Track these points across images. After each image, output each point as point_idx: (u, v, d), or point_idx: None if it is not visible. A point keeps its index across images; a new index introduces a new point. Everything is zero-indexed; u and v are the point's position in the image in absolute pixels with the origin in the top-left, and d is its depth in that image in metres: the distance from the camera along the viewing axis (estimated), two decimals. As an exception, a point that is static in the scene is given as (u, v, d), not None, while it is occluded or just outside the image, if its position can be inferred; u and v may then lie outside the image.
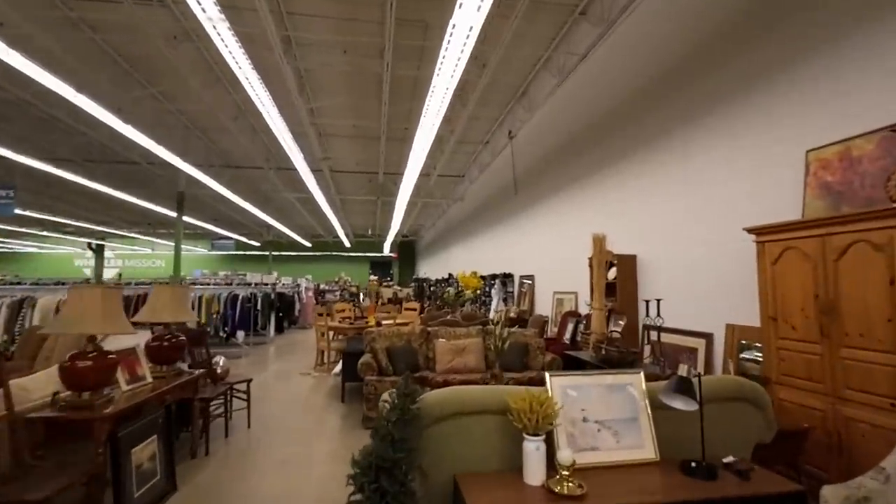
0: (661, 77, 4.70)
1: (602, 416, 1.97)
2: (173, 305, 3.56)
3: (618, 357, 3.88)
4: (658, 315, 3.85)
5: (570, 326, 6.07)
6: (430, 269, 23.29)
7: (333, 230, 21.54)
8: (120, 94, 7.28)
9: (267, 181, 12.93)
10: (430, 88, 5.78)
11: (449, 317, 6.98)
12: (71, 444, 2.45)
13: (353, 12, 5.50)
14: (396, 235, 24.26)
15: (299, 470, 3.45)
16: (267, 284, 11.09)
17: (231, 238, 22.01)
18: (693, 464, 1.82)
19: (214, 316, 9.15)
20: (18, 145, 8.80)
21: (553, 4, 5.41)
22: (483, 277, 10.04)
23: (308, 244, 26.63)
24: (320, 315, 7.37)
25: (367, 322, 7.46)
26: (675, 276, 4.43)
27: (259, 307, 10.01)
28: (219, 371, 4.44)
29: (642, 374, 2.09)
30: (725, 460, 1.87)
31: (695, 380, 1.90)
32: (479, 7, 4.00)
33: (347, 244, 25.92)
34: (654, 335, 4.09)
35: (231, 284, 11.01)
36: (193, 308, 8.65)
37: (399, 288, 19.18)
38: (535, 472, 1.73)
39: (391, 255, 29.48)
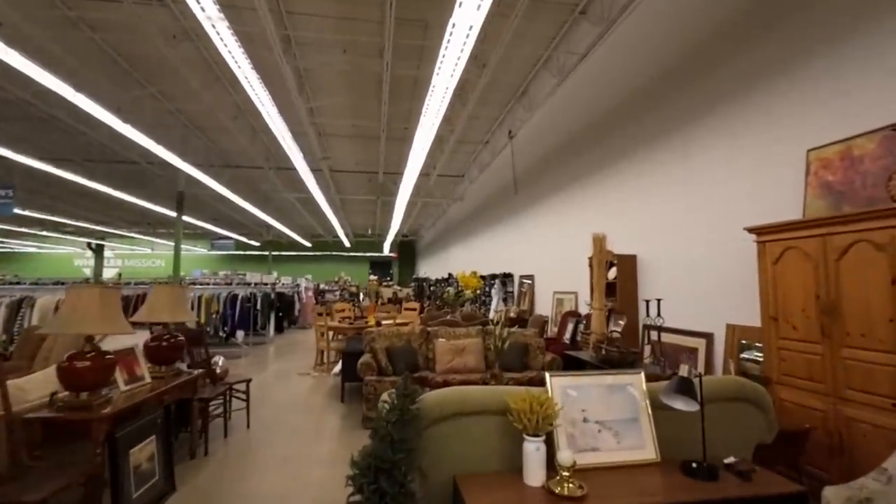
0: (661, 76, 4.69)
1: (602, 417, 1.96)
2: (172, 305, 3.55)
3: (618, 357, 3.87)
4: (658, 315, 3.84)
5: (570, 326, 6.06)
6: (430, 268, 23.28)
7: (333, 230, 21.53)
8: (119, 94, 7.27)
9: (267, 181, 12.92)
10: (429, 88, 5.77)
11: (449, 317, 6.97)
12: (69, 444, 2.44)
13: (353, 11, 5.49)
14: (396, 235, 24.26)
15: (299, 470, 3.44)
16: (266, 284, 11.08)
17: (231, 238, 22.00)
18: (694, 464, 1.81)
19: (214, 316, 9.14)
20: (18, 145, 8.79)
21: (553, 3, 5.40)
22: (483, 277, 10.03)
23: (308, 244, 26.62)
24: (320, 315, 7.36)
25: (366, 322, 7.44)
26: (676, 276, 4.42)
27: (259, 307, 10.00)
28: (218, 371, 4.43)
29: (643, 374, 2.08)
30: (726, 461, 1.86)
31: (696, 380, 1.89)
32: (479, 6, 3.99)
33: (347, 244, 25.91)
34: (654, 335, 4.08)
35: (231, 284, 10.99)
36: (193, 308, 8.64)
37: (399, 288, 19.17)
38: (535, 473, 1.72)
39: (391, 254, 29.47)
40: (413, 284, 21.35)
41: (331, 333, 7.47)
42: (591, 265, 5.15)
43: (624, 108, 5.39)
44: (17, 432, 2.23)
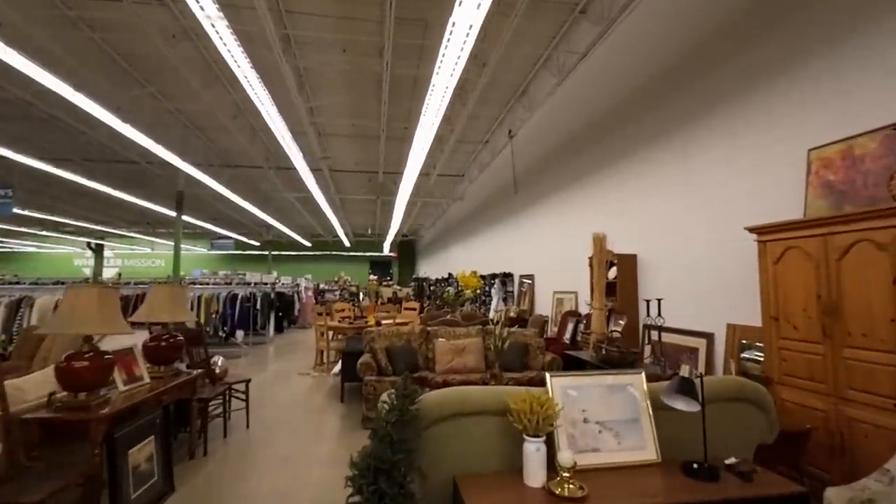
0: (661, 76, 4.68)
1: (603, 417, 1.95)
2: (171, 305, 3.54)
3: (618, 357, 3.86)
4: (659, 315, 3.83)
5: (570, 326, 6.05)
6: (430, 268, 23.28)
7: (333, 230, 21.52)
8: (119, 94, 7.26)
9: (266, 180, 12.91)
10: (429, 87, 5.76)
11: (448, 316, 6.96)
12: (67, 445, 2.43)
13: (353, 11, 5.48)
14: (396, 235, 24.25)
15: (298, 470, 3.43)
16: (266, 284, 11.07)
17: (230, 237, 21.99)
18: (695, 465, 1.80)
19: (213, 315, 9.13)
20: (18, 145, 8.78)
21: (553, 3, 5.39)
22: (483, 277, 10.02)
23: (308, 244, 26.61)
24: (320, 315, 7.35)
25: (366, 322, 7.43)
26: (676, 276, 4.41)
27: (258, 307, 9.99)
28: (217, 371, 4.42)
29: (643, 374, 2.07)
30: (728, 462, 1.85)
31: (697, 380, 1.88)
32: (479, 5, 3.97)
33: (347, 244, 25.90)
34: (654, 335, 4.08)
35: (230, 284, 10.98)
36: (192, 308, 8.63)
37: (399, 287, 19.17)
38: (535, 474, 1.71)
39: (391, 254, 29.46)
40: (413, 284, 21.34)
41: (330, 333, 7.46)
42: (591, 265, 5.14)
43: (624, 107, 5.38)
44: (15, 433, 2.22)
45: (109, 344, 3.01)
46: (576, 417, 1.94)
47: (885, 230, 2.26)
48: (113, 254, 28.50)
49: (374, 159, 11.34)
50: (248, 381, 4.54)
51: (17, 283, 10.12)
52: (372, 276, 22.20)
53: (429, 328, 5.19)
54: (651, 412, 1.98)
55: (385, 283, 21.31)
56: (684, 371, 1.90)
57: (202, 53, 6.31)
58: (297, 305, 12.85)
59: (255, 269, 17.83)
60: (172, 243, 12.84)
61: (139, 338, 3.31)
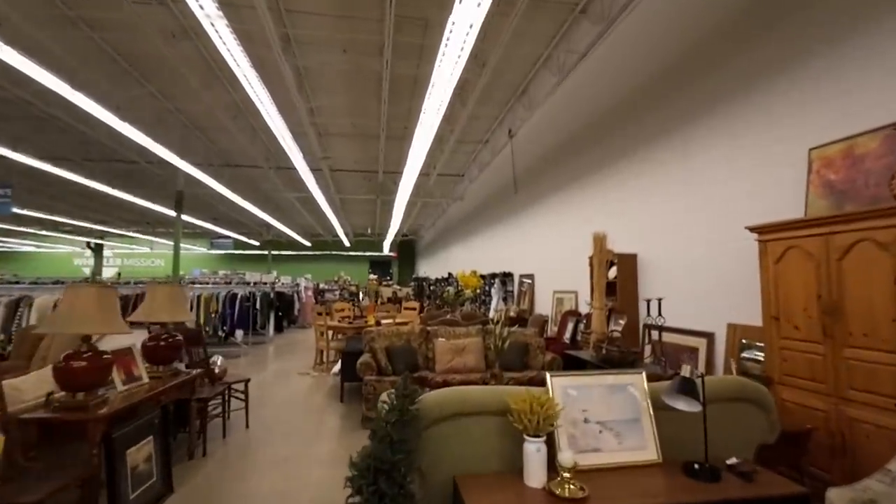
0: (661, 76, 4.67)
1: (603, 417, 1.95)
2: (170, 305, 3.53)
3: (618, 357, 3.86)
4: (659, 314, 3.82)
5: (570, 326, 6.04)
6: (430, 268, 23.27)
7: (333, 229, 21.51)
8: (118, 93, 7.25)
9: (266, 180, 12.90)
10: (429, 87, 5.74)
11: (448, 316, 6.95)
12: (65, 445, 2.42)
13: (353, 10, 5.46)
14: (396, 235, 24.23)
15: (298, 471, 3.43)
16: (266, 284, 11.05)
17: (230, 237, 21.97)
18: (696, 465, 1.80)
19: (213, 315, 9.12)
20: (16, 144, 8.76)
21: (553, 2, 5.37)
22: (483, 277, 10.01)
23: (307, 243, 26.60)
24: (319, 314, 7.34)
25: (366, 321, 7.42)
26: (676, 275, 4.41)
27: (258, 306, 9.97)
28: (217, 371, 4.41)
29: (644, 374, 2.06)
30: (729, 462, 1.84)
31: (698, 380, 1.87)
32: (479, 4, 3.96)
33: (347, 243, 25.89)
34: (654, 334, 4.07)
35: (230, 283, 10.96)
36: (192, 307, 8.62)
37: (399, 287, 19.16)
38: (535, 474, 1.71)
39: (391, 254, 29.45)
40: (413, 284, 21.33)
41: (330, 333, 7.45)
42: (591, 264, 5.14)
43: (624, 107, 5.37)
44: (13, 433, 2.21)
45: (108, 343, 3.00)
46: (576, 417, 1.93)
47: (886, 230, 2.25)
48: (112, 253, 28.49)
49: (373, 159, 11.32)
50: (247, 381, 4.53)
51: (17, 282, 10.09)
52: (372, 276, 22.16)
53: (429, 328, 5.18)
54: (652, 412, 1.97)
55: (385, 282, 21.30)
56: (685, 371, 1.89)
57: (202, 53, 6.30)
58: (296, 305, 12.85)
59: (255, 269, 17.82)
60: (172, 243, 12.83)
61: (138, 337, 3.30)
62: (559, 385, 1.98)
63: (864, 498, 1.60)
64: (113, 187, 11.85)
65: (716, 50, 3.95)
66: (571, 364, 4.50)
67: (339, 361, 5.86)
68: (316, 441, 4.05)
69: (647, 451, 1.91)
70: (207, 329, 8.74)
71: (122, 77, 6.99)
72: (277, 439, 4.09)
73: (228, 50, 4.96)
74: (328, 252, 28.36)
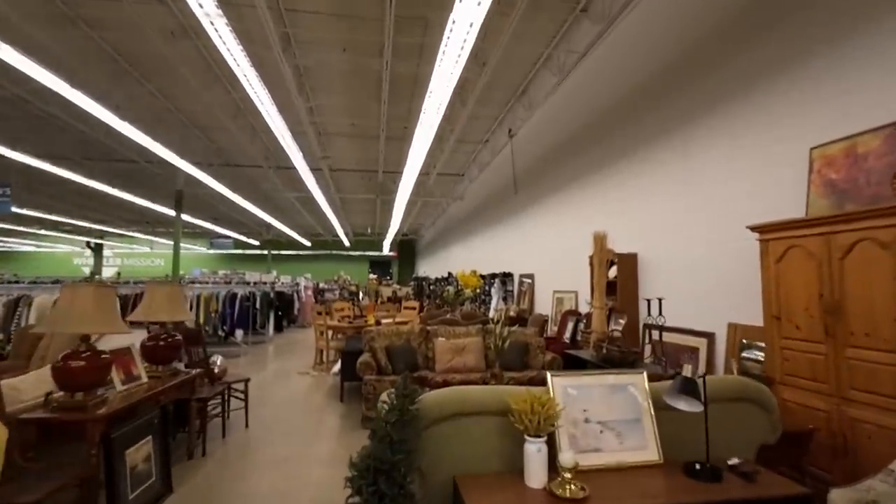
0: (661, 76, 4.67)
1: (604, 417, 1.94)
2: (169, 304, 3.52)
3: (619, 356, 3.85)
4: (660, 314, 3.81)
5: (570, 325, 6.03)
6: (430, 268, 23.26)
7: (333, 229, 21.50)
8: (117, 92, 7.24)
9: (266, 180, 12.88)
10: (429, 86, 5.73)
11: (448, 316, 6.94)
12: (64, 445, 2.41)
13: (353, 9, 5.45)
14: (396, 234, 24.23)
15: (298, 470, 3.42)
16: (266, 283, 11.04)
17: (230, 237, 21.96)
18: (697, 466, 1.79)
19: (213, 315, 9.11)
20: (15, 143, 8.75)
21: (554, 1, 5.36)
22: (483, 276, 10.01)
23: (307, 243, 26.59)
24: (319, 314, 7.33)
25: (366, 321, 7.41)
26: (676, 275, 4.40)
27: (258, 306, 9.96)
28: (216, 370, 4.40)
29: (645, 374, 2.05)
30: (730, 462, 1.83)
31: (699, 380, 1.86)
32: (480, 2, 3.95)
33: (347, 243, 25.88)
34: (655, 334, 4.06)
35: (230, 283, 10.95)
36: (192, 307, 8.61)
37: (398, 287, 19.14)
38: (536, 475, 1.70)
39: (391, 254, 29.44)
40: (413, 283, 21.31)
41: (330, 332, 7.44)
42: (591, 264, 5.13)
43: (624, 107, 5.36)
44: (11, 433, 2.20)
45: (107, 343, 2.99)
46: (577, 417, 1.92)
47: (888, 229, 2.24)
48: (112, 253, 28.48)
49: (373, 159, 11.31)
50: (247, 381, 4.52)
51: (16, 282, 10.07)
52: (371, 276, 22.19)
53: (428, 327, 5.17)
54: (653, 412, 1.96)
55: (385, 282, 21.29)
56: (687, 371, 1.88)
57: (201, 52, 6.29)
58: (296, 304, 12.83)
59: (255, 269, 17.82)
60: (172, 242, 12.82)
61: (137, 337, 3.29)
62: (560, 385, 1.97)
63: (867, 499, 1.59)
64: (112, 187, 11.84)
65: (715, 50, 3.95)
66: (571, 364, 4.49)
67: (339, 361, 5.86)
68: (316, 441, 4.05)
69: (648, 451, 1.90)
70: (207, 329, 8.73)
71: (122, 76, 6.98)
72: (277, 439, 4.08)
73: (228, 49, 4.95)
74: (328, 252, 28.36)
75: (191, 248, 27.21)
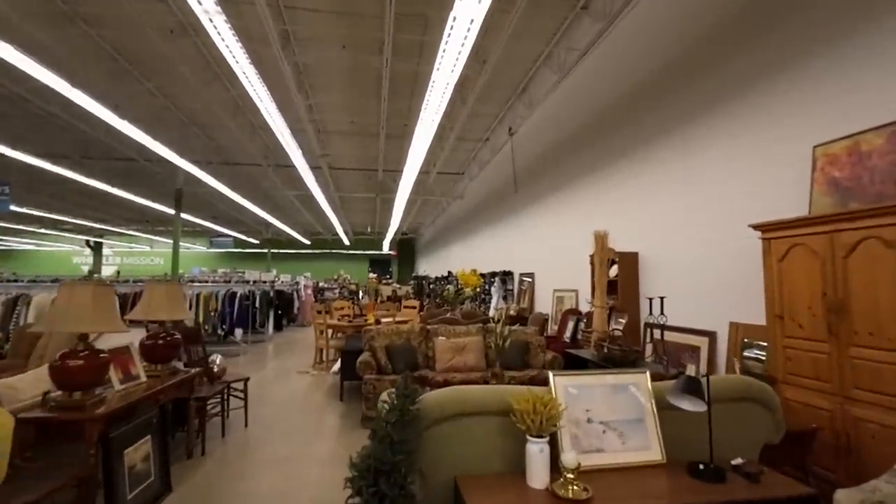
0: (661, 76, 4.65)
1: (607, 417, 1.92)
2: (168, 303, 3.50)
3: (620, 355, 3.83)
4: (661, 313, 3.79)
5: (570, 324, 6.02)
6: (430, 266, 23.25)
7: (332, 228, 21.48)
8: (117, 90, 7.22)
9: (266, 178, 12.86)
10: (429, 84, 5.71)
11: (448, 315, 6.92)
12: (62, 445, 2.39)
13: (352, 6, 5.43)
14: (396, 233, 24.21)
15: (297, 470, 3.40)
16: (266, 282, 11.02)
17: (230, 236, 21.94)
18: (701, 466, 1.77)
19: (212, 314, 9.09)
20: (15, 142, 8.72)
21: (554, -1, 5.34)
22: (483, 275, 9.99)
23: (307, 242, 26.57)
24: (319, 313, 7.31)
25: (366, 320, 7.40)
26: (677, 274, 4.38)
27: (257, 305, 9.94)
28: (215, 370, 4.38)
29: (648, 373, 2.03)
30: (734, 462, 1.81)
31: (703, 380, 1.85)
32: (480, 0, 3.93)
33: (346, 242, 25.87)
34: (656, 333, 4.04)
35: (229, 282, 10.93)
36: (191, 306, 8.59)
37: (398, 286, 19.13)
38: (538, 475, 1.68)
39: (390, 252, 29.43)
40: (412, 282, 21.30)
41: (330, 331, 7.42)
42: (592, 263, 5.11)
43: (624, 105, 5.34)
44: (9, 432, 2.18)
45: (106, 342, 2.97)
46: (579, 417, 1.90)
47: (892, 227, 2.22)
48: (112, 252, 28.46)
49: (373, 157, 11.29)
50: (246, 380, 4.50)
51: (16, 280, 10.05)
52: (371, 275, 22.20)
53: (429, 326, 5.15)
54: (656, 412, 1.94)
55: (384, 281, 21.28)
56: (691, 370, 1.86)
57: (200, 50, 6.27)
58: (296, 303, 12.80)
59: (255, 267, 17.79)
60: (171, 241, 12.80)
61: (136, 336, 3.27)
62: (562, 385, 1.95)
63: (873, 499, 1.57)
64: (112, 185, 11.81)
65: (715, 50, 3.93)
66: (572, 363, 4.48)
67: (339, 360, 5.84)
68: (315, 440, 4.03)
69: (651, 451, 1.89)
70: (206, 327, 8.71)
71: (121, 74, 6.96)
72: (277, 438, 4.07)
73: (227, 46, 4.93)
74: (328, 250, 28.35)
75: (190, 247, 27.20)
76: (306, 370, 7.07)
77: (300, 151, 9.06)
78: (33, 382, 2.53)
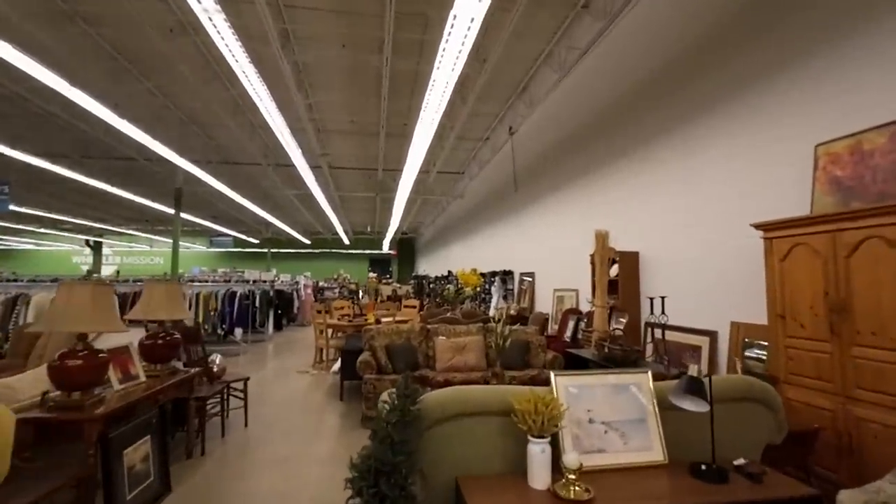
0: (661, 74, 4.64)
1: (608, 417, 1.91)
2: (168, 303, 3.49)
3: (621, 355, 3.82)
4: (662, 312, 3.78)
5: (571, 324, 6.01)
6: (430, 266, 23.24)
7: (332, 227, 21.47)
8: (116, 89, 7.20)
9: (266, 178, 12.85)
10: (429, 83, 5.70)
11: (449, 314, 6.91)
12: (61, 445, 2.38)
13: (352, 5, 5.42)
14: (396, 233, 24.20)
15: (297, 470, 3.39)
16: (265, 282, 11.01)
17: (229, 235, 21.93)
18: (703, 466, 1.76)
19: (212, 313, 9.08)
20: (14, 141, 8.71)
21: (555, -3, 5.33)
22: (483, 275, 9.98)
23: (307, 241, 26.55)
24: (319, 312, 7.30)
25: (366, 319, 7.39)
26: (678, 273, 4.37)
27: (257, 304, 9.93)
28: (215, 369, 4.37)
29: (650, 373, 2.02)
30: (736, 463, 1.80)
31: (705, 380, 1.84)
32: (481, -2, 3.92)
33: (346, 241, 25.85)
34: (657, 333, 4.03)
35: (229, 282, 10.91)
36: (191, 305, 8.58)
37: (398, 285, 19.12)
38: (540, 476, 1.67)
39: (390, 252, 29.42)
40: (412, 282, 21.29)
41: (330, 331, 7.42)
42: (592, 262, 5.10)
43: (625, 105, 5.33)
44: (8, 433, 2.17)
45: (105, 342, 2.96)
46: (581, 417, 1.89)
47: (895, 226, 2.21)
48: (112, 251, 28.44)
49: (373, 156, 11.28)
50: (246, 380, 4.49)
51: (15, 280, 10.03)
52: (371, 274, 22.19)
53: (429, 326, 5.15)
54: (657, 412, 1.93)
55: (384, 280, 21.26)
56: (693, 370, 1.85)
57: (200, 49, 6.25)
58: (296, 303, 12.79)
59: (254, 267, 17.80)
60: (171, 241, 12.78)
61: (135, 336, 3.26)
62: (563, 385, 1.94)
63: (878, 500, 1.56)
64: (111, 185, 11.80)
65: (715, 49, 3.93)
66: (573, 363, 4.47)
67: (339, 360, 5.83)
68: (315, 440, 4.02)
69: (652, 451, 1.88)
70: (206, 327, 8.70)
71: (121, 73, 6.94)
72: (277, 438, 4.06)
73: (227, 45, 4.91)
74: (328, 250, 28.34)
75: (190, 247, 27.18)
76: (306, 370, 7.06)
77: (300, 151, 9.04)
78: (32, 382, 2.52)
